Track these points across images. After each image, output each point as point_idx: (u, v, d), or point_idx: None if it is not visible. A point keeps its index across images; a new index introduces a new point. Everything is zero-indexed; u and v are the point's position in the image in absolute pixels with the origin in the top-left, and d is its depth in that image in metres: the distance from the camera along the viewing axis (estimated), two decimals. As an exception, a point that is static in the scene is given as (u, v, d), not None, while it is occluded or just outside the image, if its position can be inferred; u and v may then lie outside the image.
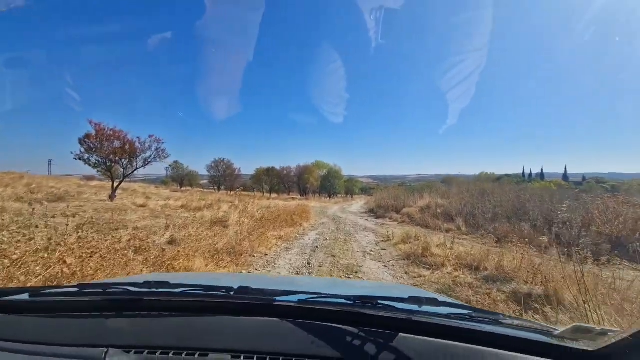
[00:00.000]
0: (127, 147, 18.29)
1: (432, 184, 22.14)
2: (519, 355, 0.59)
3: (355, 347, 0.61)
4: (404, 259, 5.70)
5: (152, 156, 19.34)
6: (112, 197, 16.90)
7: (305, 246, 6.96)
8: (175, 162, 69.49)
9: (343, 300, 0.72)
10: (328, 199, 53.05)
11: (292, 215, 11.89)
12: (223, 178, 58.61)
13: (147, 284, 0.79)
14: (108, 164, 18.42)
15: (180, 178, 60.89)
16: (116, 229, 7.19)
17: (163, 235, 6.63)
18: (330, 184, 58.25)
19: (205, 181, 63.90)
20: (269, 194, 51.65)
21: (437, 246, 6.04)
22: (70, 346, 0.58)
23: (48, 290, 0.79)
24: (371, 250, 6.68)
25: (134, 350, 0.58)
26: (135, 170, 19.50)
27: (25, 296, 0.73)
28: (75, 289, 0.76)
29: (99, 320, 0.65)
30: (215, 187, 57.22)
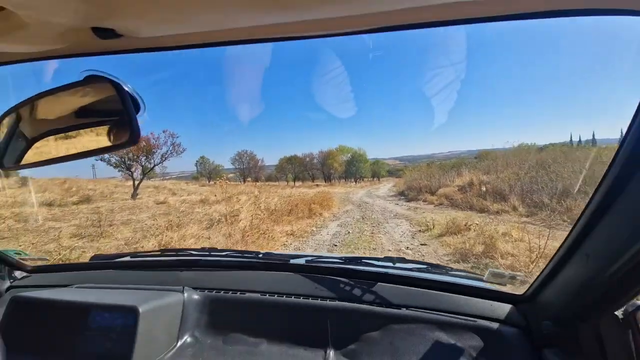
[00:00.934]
0: (142, 144, 17.94)
1: (465, 160, 19.56)
2: (461, 296, 0.84)
3: (345, 291, 0.88)
4: (459, 262, 4.07)
5: (169, 151, 18.92)
6: (134, 196, 16.73)
7: (321, 244, 5.52)
8: (202, 157, 71.53)
9: (337, 260, 1.02)
10: (354, 183, 51.22)
11: (310, 204, 10.52)
12: (247, 170, 58.93)
13: (203, 249, 1.18)
14: (128, 163, 18.31)
15: (209, 173, 62.36)
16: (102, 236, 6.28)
17: (155, 236, 5.61)
18: (355, 168, 56.23)
19: (232, 174, 64.92)
20: (293, 183, 50.99)
21: (504, 237, 4.28)
22: (158, 289, 0.88)
23: (141, 253, 1.21)
24: (407, 248, 5.06)
25: (199, 289, 0.90)
26: (154, 166, 19.27)
27: (127, 258, 1.14)
28: (159, 252, 1.19)
29: (175, 273, 0.99)
30: (241, 179, 57.83)
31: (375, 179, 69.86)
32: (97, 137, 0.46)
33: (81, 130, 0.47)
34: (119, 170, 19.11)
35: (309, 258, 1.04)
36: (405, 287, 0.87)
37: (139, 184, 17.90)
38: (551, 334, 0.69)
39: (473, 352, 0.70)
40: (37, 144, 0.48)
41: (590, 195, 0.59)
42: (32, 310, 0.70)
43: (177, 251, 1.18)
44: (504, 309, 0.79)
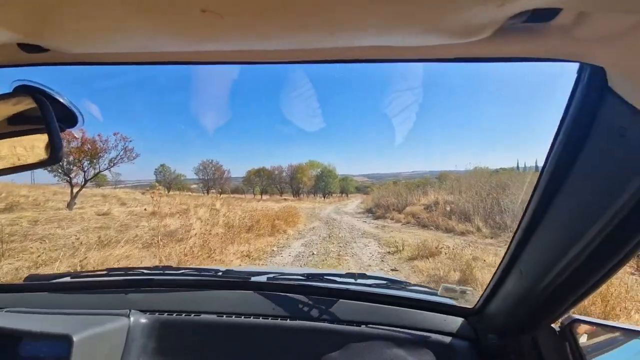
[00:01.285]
0: (87, 146, 15.91)
1: (428, 180, 20.23)
2: (417, 311, 0.86)
3: (306, 309, 0.86)
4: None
5: (119, 156, 16.99)
6: (70, 206, 14.53)
7: (280, 267, 4.82)
8: (162, 165, 66.78)
9: (299, 277, 0.99)
10: (322, 199, 50.97)
11: (274, 219, 9.74)
12: (212, 181, 56.05)
13: (156, 267, 1.08)
14: (66, 167, 16.03)
15: (168, 182, 58.18)
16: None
17: (70, 257, 4.49)
18: (324, 184, 56.25)
19: (195, 185, 61.14)
20: (260, 196, 49.28)
21: (476, 261, 3.96)
22: (101, 313, 0.79)
23: (84, 273, 1.14)
24: (377, 273, 4.60)
25: (148, 312, 0.83)
26: (99, 172, 17.12)
27: (67, 279, 1.02)
28: (105, 272, 1.05)
29: (121, 295, 0.90)
30: (204, 190, 54.63)
31: (343, 195, 70.61)
32: (16, 153, 0.44)
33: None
34: (54, 176, 16.65)
35: (271, 275, 1.01)
36: (365, 303, 0.88)
37: (77, 192, 15.67)
38: (497, 346, 0.73)
39: None
40: None
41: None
42: None
43: (126, 270, 1.07)
44: (456, 322, 0.81)
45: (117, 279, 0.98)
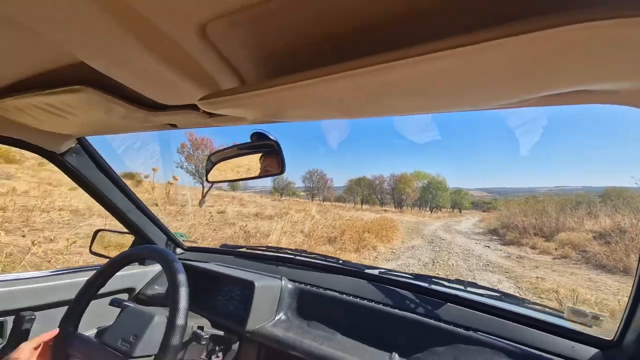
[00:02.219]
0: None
1: (585, 198, 13.95)
2: (537, 331, 0.77)
3: (414, 305, 0.90)
4: None
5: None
6: (201, 203, 17.41)
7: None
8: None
9: (407, 276, 1.04)
10: (429, 213, 45.22)
11: (363, 232, 8.23)
12: (316, 189, 59.31)
13: (296, 250, 1.32)
14: (201, 171, 19.49)
15: (281, 189, 65.52)
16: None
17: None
18: (431, 196, 50.02)
19: (303, 192, 66.55)
20: (360, 205, 48.39)
21: None
22: (265, 275, 1.07)
23: (253, 246, 1.45)
24: None
25: (291, 281, 1.06)
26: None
27: (244, 249, 1.39)
28: (264, 248, 1.38)
29: (275, 265, 1.19)
30: (309, 197, 58.39)
31: (455, 210, 61.01)
32: (253, 167, 0.75)
33: (241, 161, 0.77)
34: (193, 178, 20.43)
35: (382, 270, 1.08)
36: (476, 311, 0.85)
37: (206, 193, 18.64)
38: None
39: None
40: (220, 169, 0.80)
41: None
42: (188, 274, 0.72)
43: (278, 249, 1.33)
44: (587, 351, 0.72)
45: (272, 254, 1.28)
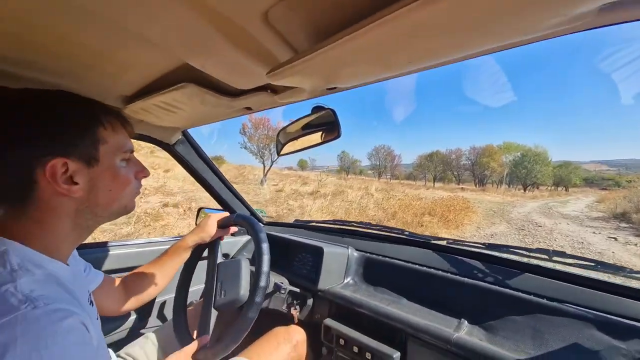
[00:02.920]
0: (270, 133, 19.03)
1: None
2: (638, 302, 0.66)
3: (485, 274, 0.84)
4: None
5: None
6: (262, 182, 18.02)
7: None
8: (343, 152, 75.06)
9: (480, 246, 0.95)
10: (522, 192, 37.67)
11: (423, 214, 6.70)
12: (383, 166, 56.37)
13: (361, 222, 1.35)
14: (261, 151, 20.06)
15: (347, 167, 64.79)
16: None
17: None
18: (525, 171, 41.44)
19: (370, 171, 64.44)
20: (432, 184, 43.82)
21: None
22: (335, 245, 1.11)
23: (321, 220, 1.56)
24: None
25: (357, 250, 1.10)
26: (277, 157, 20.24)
27: (313, 223, 1.48)
28: (332, 221, 1.44)
29: (341, 236, 1.23)
30: (376, 175, 55.99)
31: (560, 188, 49.51)
32: (313, 137, 0.81)
33: (308, 134, 0.82)
34: (255, 158, 21.19)
35: (450, 240, 1.06)
36: (562, 282, 0.75)
37: (267, 171, 19.14)
38: None
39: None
40: (288, 144, 0.88)
41: None
42: (269, 242, 0.78)
43: (343, 222, 1.39)
44: None
45: (338, 227, 1.36)
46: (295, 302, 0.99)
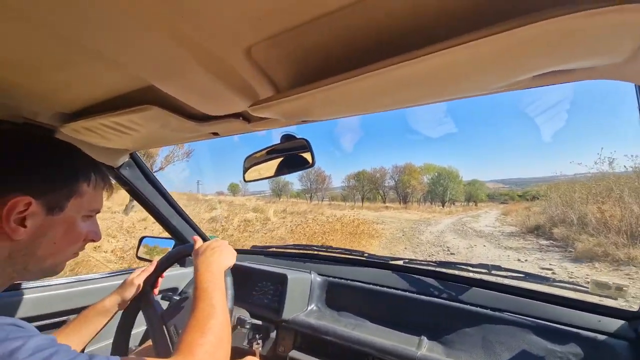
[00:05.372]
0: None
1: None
2: (564, 308, 0.76)
3: (439, 291, 0.91)
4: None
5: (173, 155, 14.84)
6: (127, 209, 13.05)
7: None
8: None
9: (432, 264, 1.03)
10: (441, 207, 39.40)
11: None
12: (314, 188, 54.42)
13: (322, 246, 1.34)
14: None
15: (279, 190, 61.06)
16: None
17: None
18: (442, 189, 44.08)
19: (308, 194, 61.69)
20: (361, 203, 43.08)
21: None
22: (294, 269, 1.11)
23: (281, 245, 1.52)
24: None
25: (319, 275, 1.09)
26: (158, 170, 15.55)
27: (273, 249, 1.42)
28: (292, 246, 1.43)
29: (303, 262, 1.21)
30: (309, 198, 53.49)
31: (471, 203, 54.73)
32: (282, 164, 0.79)
33: (276, 161, 0.80)
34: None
35: (406, 260, 1.09)
36: (502, 294, 0.85)
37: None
38: None
39: (574, 358, 0.67)
40: (253, 169, 0.85)
41: None
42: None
43: (304, 247, 1.36)
44: (614, 324, 0.71)
45: (299, 251, 1.33)
46: (257, 336, 0.93)
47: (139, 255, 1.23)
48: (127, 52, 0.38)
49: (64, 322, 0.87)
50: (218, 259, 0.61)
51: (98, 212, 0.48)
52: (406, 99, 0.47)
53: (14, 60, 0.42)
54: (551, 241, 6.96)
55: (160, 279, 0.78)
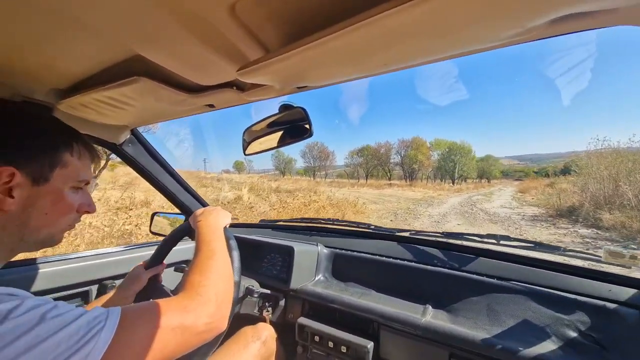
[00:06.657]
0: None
1: None
2: (573, 277, 0.75)
3: (446, 261, 0.91)
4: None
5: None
6: (91, 186, 11.66)
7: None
8: (277, 151, 69.40)
9: (439, 234, 1.02)
10: (451, 184, 37.05)
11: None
12: (317, 165, 52.51)
13: (329, 219, 1.34)
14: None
15: (282, 167, 59.57)
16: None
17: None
18: (452, 164, 41.39)
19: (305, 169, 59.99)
20: (365, 180, 41.06)
21: None
22: (301, 242, 1.12)
23: (288, 219, 1.51)
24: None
25: (326, 247, 1.11)
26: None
27: (281, 222, 1.47)
28: (299, 219, 1.40)
29: (310, 234, 1.24)
30: (312, 175, 51.79)
31: (483, 180, 51.89)
32: (282, 136, 0.78)
33: (276, 132, 0.78)
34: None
35: (413, 232, 1.09)
36: (510, 263, 0.84)
37: (100, 170, 12.80)
38: None
39: (582, 326, 0.66)
40: (254, 143, 0.84)
41: None
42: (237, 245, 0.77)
43: (310, 220, 1.37)
44: (626, 292, 0.70)
45: (305, 224, 1.34)
46: (267, 304, 0.98)
47: (152, 230, 1.27)
48: (109, 20, 0.38)
49: (85, 293, 0.92)
50: (215, 217, 0.66)
51: (87, 183, 0.48)
52: (403, 55, 0.44)
53: None
54: (595, 230, 5.03)
55: (163, 266, 0.79)
